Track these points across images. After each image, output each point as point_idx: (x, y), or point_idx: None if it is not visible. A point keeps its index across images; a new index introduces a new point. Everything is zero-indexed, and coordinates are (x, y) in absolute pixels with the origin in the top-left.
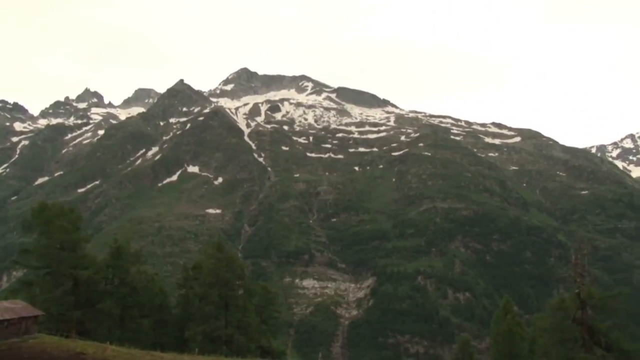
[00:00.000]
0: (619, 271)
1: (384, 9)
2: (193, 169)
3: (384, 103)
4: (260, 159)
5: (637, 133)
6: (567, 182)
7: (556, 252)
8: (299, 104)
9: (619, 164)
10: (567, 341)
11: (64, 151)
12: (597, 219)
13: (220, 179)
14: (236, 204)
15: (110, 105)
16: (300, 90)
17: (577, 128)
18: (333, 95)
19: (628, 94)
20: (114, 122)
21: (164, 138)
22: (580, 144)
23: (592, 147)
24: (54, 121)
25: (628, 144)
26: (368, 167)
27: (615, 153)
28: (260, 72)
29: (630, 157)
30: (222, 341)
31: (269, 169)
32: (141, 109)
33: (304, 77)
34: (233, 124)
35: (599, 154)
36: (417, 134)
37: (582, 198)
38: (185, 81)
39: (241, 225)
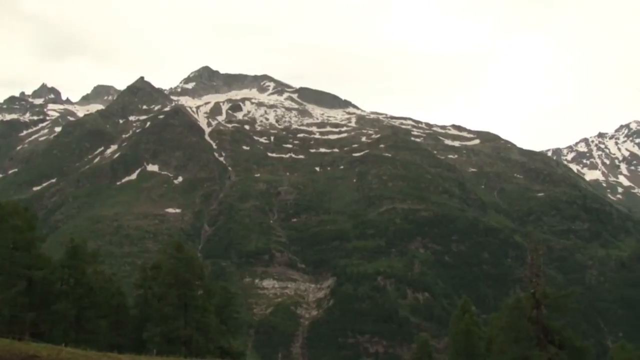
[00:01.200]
0: (573, 271)
1: (345, 10)
2: (153, 167)
3: (346, 104)
4: (221, 159)
5: (591, 138)
6: (524, 185)
7: (513, 253)
8: (260, 104)
9: (574, 167)
10: (522, 339)
11: (18, 148)
12: (553, 221)
13: (180, 178)
14: (196, 203)
15: (68, 101)
16: (262, 90)
17: (534, 132)
18: (295, 96)
19: (583, 100)
20: (71, 119)
21: (123, 136)
22: (537, 148)
23: (549, 150)
24: (8, 117)
25: (582, 148)
26: (329, 168)
27: (570, 157)
28: (222, 71)
29: (584, 161)
30: (180, 342)
31: (230, 168)
32: (100, 106)
33: (265, 77)
34: (194, 122)
35: (554, 157)
36: (378, 135)
37: (539, 200)
38: (146, 79)
39: (201, 225)
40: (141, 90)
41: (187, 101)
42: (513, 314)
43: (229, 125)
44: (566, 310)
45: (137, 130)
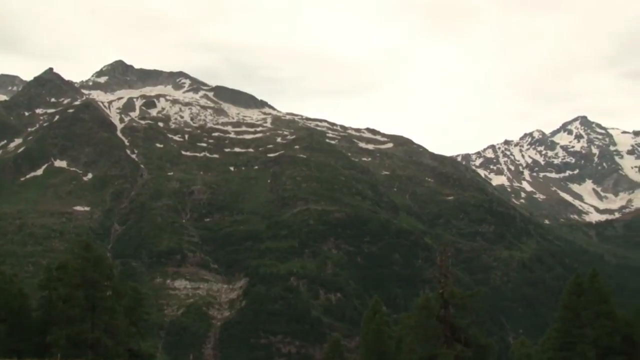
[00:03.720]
0: (479, 272)
1: (262, 10)
2: (60, 163)
3: (262, 104)
4: (133, 156)
5: (498, 145)
6: (435, 188)
7: (423, 255)
8: (175, 101)
9: (481, 172)
10: (430, 338)
11: None
12: (461, 223)
13: (89, 175)
14: (106, 201)
15: None
16: (178, 87)
17: (445, 137)
18: (210, 94)
19: (491, 109)
20: None
21: (29, 129)
22: (447, 153)
23: (458, 155)
24: None
25: (489, 154)
26: (243, 168)
27: (478, 162)
28: (137, 66)
29: (491, 166)
30: (87, 345)
31: (142, 166)
32: (4, 97)
33: (181, 74)
34: (105, 118)
35: (464, 163)
36: (294, 136)
37: (448, 203)
38: (55, 70)
39: (111, 224)
40: (50, 82)
41: (98, 95)
42: (422, 314)
43: (142, 122)
44: (472, 309)
45: (45, 124)
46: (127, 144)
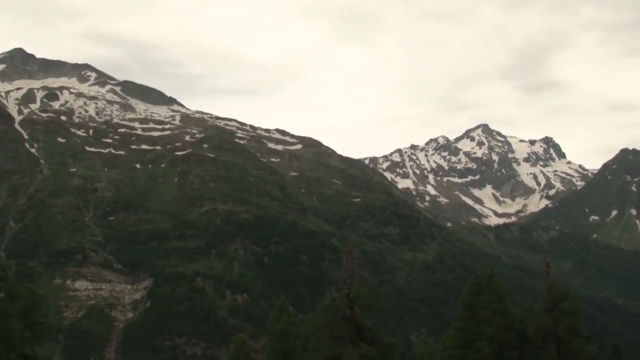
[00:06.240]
0: (384, 273)
1: (172, 7)
2: None
3: (171, 101)
4: (33, 150)
5: (404, 149)
6: (343, 190)
7: (330, 256)
8: (80, 94)
9: (388, 175)
10: (336, 338)
11: None
12: (367, 225)
13: None
14: (1, 197)
15: None
16: (83, 79)
17: (354, 140)
18: (118, 89)
19: (399, 114)
20: None
21: None
22: (355, 155)
23: (366, 158)
24: None
25: (396, 157)
26: (150, 166)
27: (385, 165)
28: (38, 55)
29: (398, 170)
30: None
31: (42, 161)
32: None
33: (87, 67)
34: (2, 109)
35: (371, 165)
36: (202, 135)
37: (355, 205)
38: None
39: (6, 222)
40: None
41: None
42: (328, 314)
43: (44, 115)
44: (377, 309)
45: None
46: (26, 137)
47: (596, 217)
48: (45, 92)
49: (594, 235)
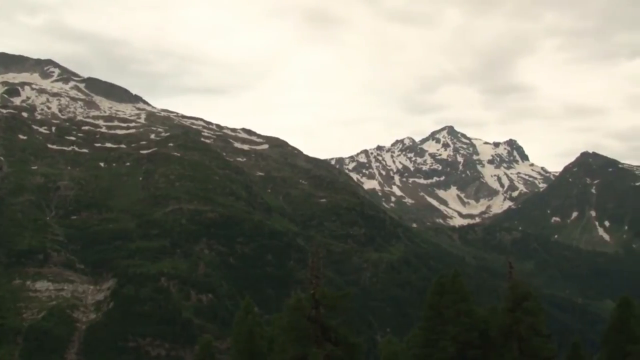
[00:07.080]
0: (350, 273)
1: (137, 4)
2: None
3: (136, 99)
4: None
5: (370, 150)
6: (309, 190)
7: (296, 256)
8: (42, 91)
9: (354, 176)
10: (302, 338)
11: None
12: (333, 226)
13: None
14: None
15: None
16: (45, 75)
17: (320, 141)
18: (82, 86)
19: (366, 114)
20: None
21: None
22: (322, 156)
23: (332, 159)
24: None
25: (362, 158)
26: (114, 164)
27: (351, 166)
28: None
29: (364, 171)
30: None
31: (2, 158)
32: None
33: (50, 62)
34: None
35: (337, 166)
36: (168, 134)
37: (321, 206)
38: None
39: None
40: None
41: None
42: (294, 314)
43: (4, 111)
44: (343, 309)
45: None
46: None
47: (557, 219)
48: (6, 88)
49: (555, 236)
